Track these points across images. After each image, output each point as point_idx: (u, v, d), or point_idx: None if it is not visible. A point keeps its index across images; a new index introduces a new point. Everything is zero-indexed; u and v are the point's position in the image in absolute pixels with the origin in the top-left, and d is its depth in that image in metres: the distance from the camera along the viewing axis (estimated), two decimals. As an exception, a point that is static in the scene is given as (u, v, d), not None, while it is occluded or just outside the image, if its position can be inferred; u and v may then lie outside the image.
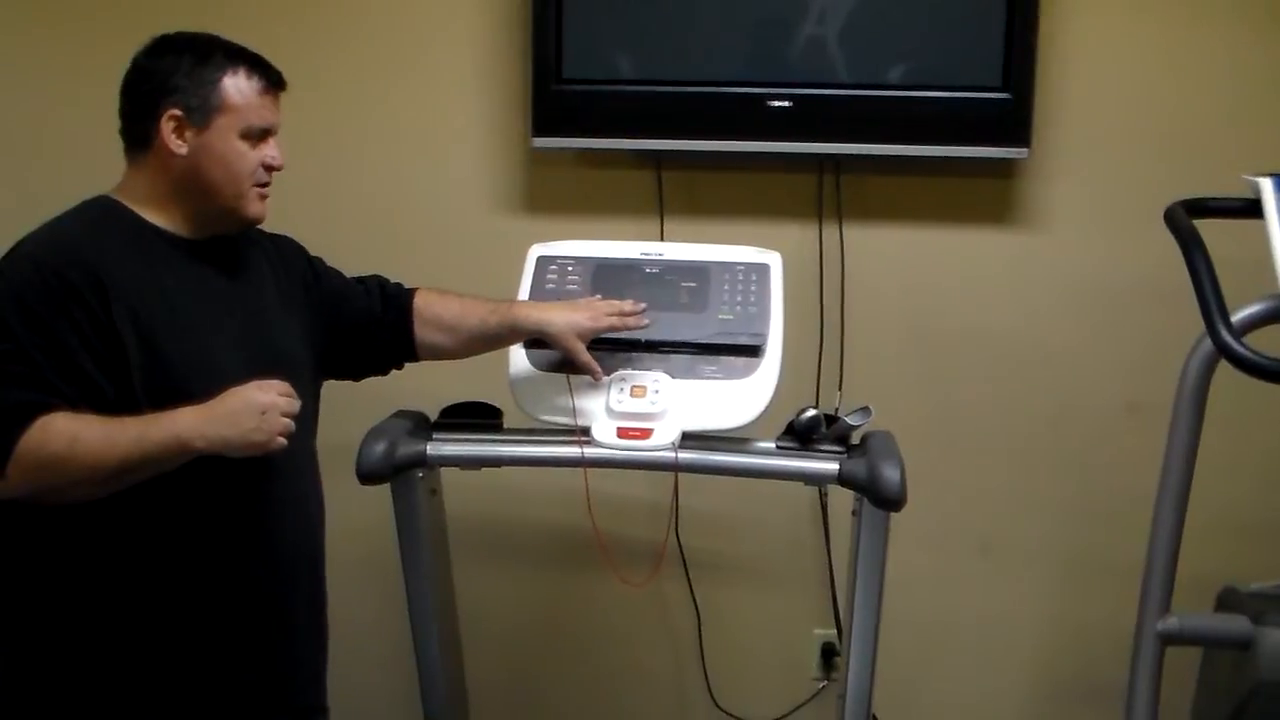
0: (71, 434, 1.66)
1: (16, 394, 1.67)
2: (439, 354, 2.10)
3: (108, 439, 1.67)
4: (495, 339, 2.07)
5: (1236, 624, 2.11)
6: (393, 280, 2.13)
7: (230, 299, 1.88)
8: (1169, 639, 2.14)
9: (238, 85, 1.82)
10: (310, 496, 1.99)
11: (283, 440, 1.73)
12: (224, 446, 1.70)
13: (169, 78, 1.81)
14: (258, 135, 1.84)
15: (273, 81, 1.86)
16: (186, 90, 1.80)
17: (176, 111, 1.80)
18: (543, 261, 2.16)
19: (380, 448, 2.01)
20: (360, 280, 2.12)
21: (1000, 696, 2.72)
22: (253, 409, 1.71)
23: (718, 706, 2.73)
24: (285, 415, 1.73)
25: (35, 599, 1.79)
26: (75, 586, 1.77)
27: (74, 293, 1.70)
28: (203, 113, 1.80)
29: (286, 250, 2.06)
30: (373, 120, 2.65)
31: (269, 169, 1.86)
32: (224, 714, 1.85)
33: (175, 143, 1.80)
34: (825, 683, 2.71)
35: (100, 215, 1.82)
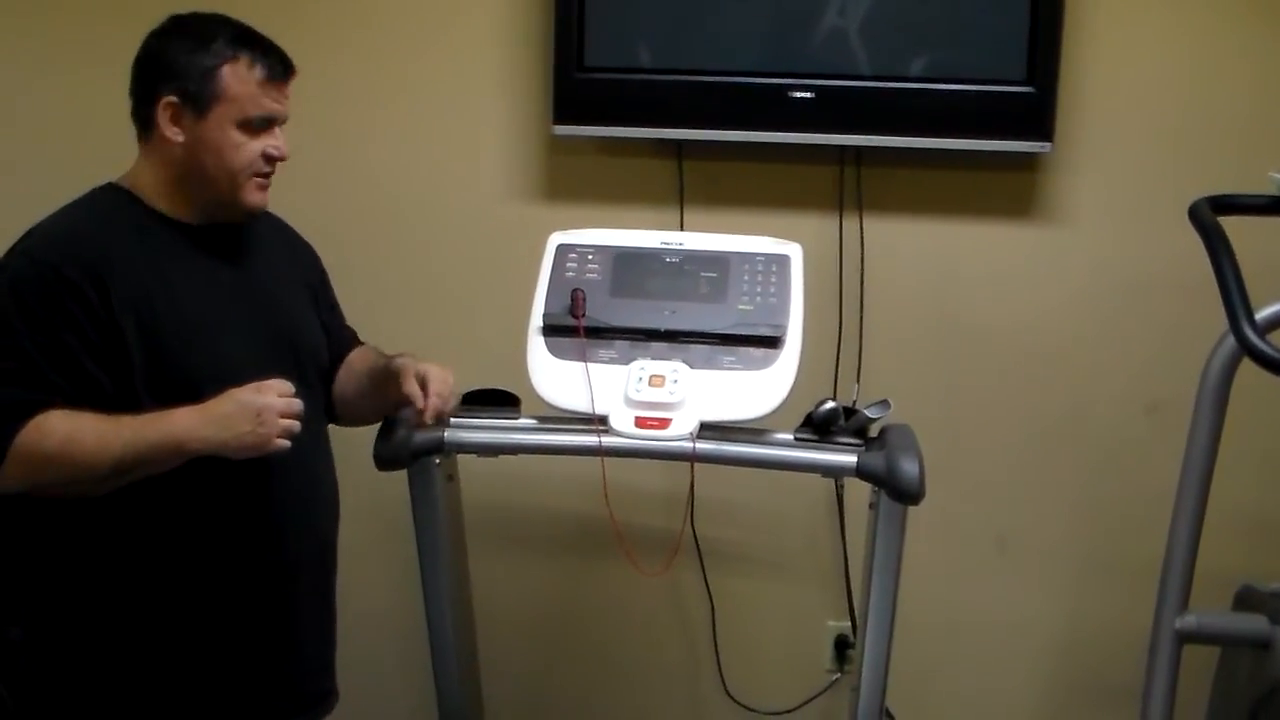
0: (65, 433, 1.66)
1: (12, 392, 1.67)
2: (343, 405, 2.07)
3: (101, 440, 1.67)
4: (376, 376, 2.01)
5: (1255, 623, 2.10)
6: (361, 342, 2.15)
7: (240, 287, 1.88)
8: (1186, 637, 2.13)
9: (238, 74, 1.78)
10: (320, 481, 1.99)
11: (282, 442, 1.71)
12: (220, 448, 1.70)
13: (170, 62, 1.78)
14: (258, 125, 1.80)
15: (277, 71, 1.81)
16: (185, 76, 1.77)
17: (173, 98, 1.77)
18: (562, 250, 2.15)
19: (398, 434, 2.01)
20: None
21: (1015, 692, 2.71)
22: (248, 413, 1.69)
23: (730, 697, 2.73)
24: (286, 415, 1.71)
25: (44, 589, 1.79)
26: (82, 575, 1.78)
27: (72, 288, 1.68)
28: (200, 101, 1.77)
29: (303, 248, 2.07)
30: (393, 107, 2.65)
31: (270, 159, 1.82)
32: (230, 700, 1.86)
33: (172, 130, 1.78)
34: (839, 675, 2.71)
35: (107, 205, 1.81)
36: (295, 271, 2.02)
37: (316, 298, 2.06)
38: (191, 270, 1.81)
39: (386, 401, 1.99)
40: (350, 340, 2.13)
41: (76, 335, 1.69)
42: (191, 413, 1.69)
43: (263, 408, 1.70)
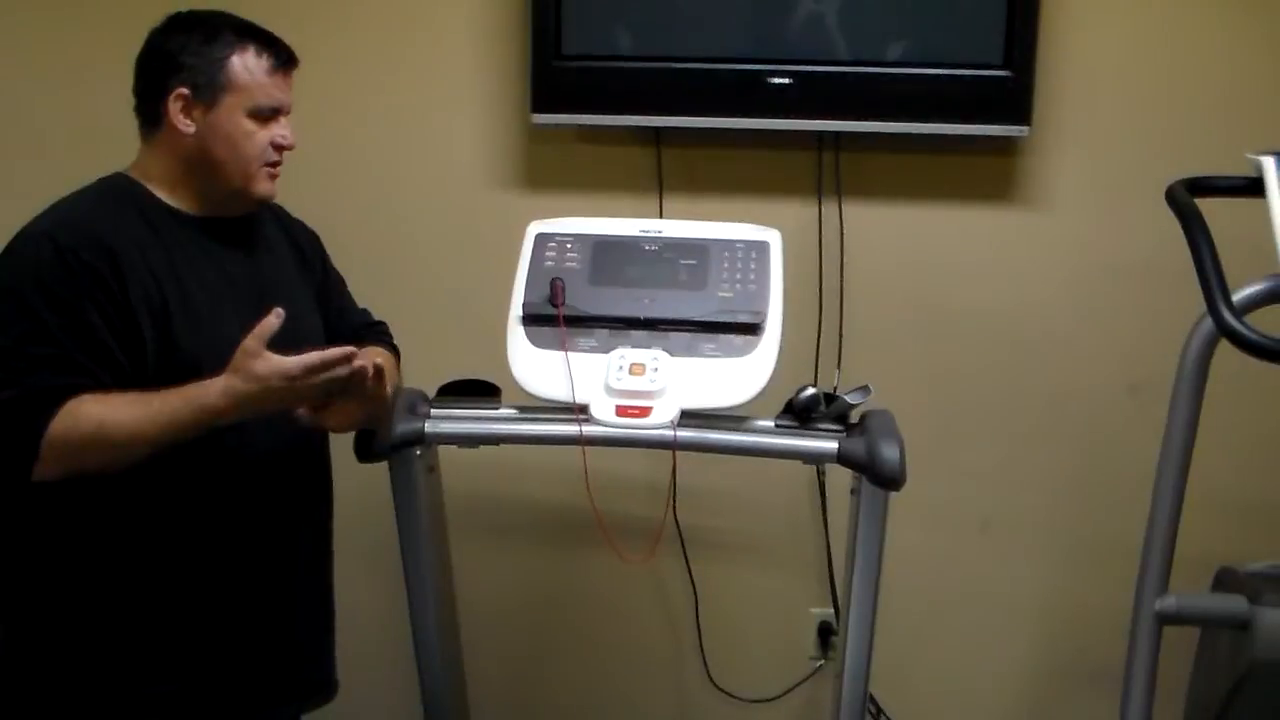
0: (99, 419, 1.67)
1: (42, 378, 1.67)
2: None
3: (137, 423, 1.68)
4: None
5: (1234, 604, 2.11)
6: (377, 320, 2.18)
7: (245, 278, 1.89)
8: (1167, 619, 2.14)
9: (245, 64, 1.82)
10: (315, 468, 2.00)
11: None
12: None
13: (177, 56, 1.81)
14: (267, 114, 1.84)
15: (282, 60, 1.85)
16: (194, 69, 1.80)
17: (184, 90, 1.80)
18: (541, 238, 2.14)
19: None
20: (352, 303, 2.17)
21: (998, 676, 2.72)
22: (281, 398, 1.74)
23: (714, 685, 2.73)
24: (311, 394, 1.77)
25: (30, 578, 1.79)
26: (70, 563, 1.77)
27: (93, 272, 1.70)
28: (210, 91, 1.80)
29: (303, 235, 2.08)
30: (372, 95, 2.64)
31: (279, 148, 1.86)
32: (226, 689, 1.86)
33: (183, 122, 1.81)
34: (822, 662, 2.72)
35: (115, 194, 1.83)
36: (295, 259, 2.03)
37: (319, 284, 2.07)
38: (197, 260, 1.83)
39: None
40: (364, 325, 2.15)
41: (100, 316, 1.70)
42: (221, 395, 1.70)
43: (296, 393, 1.75)
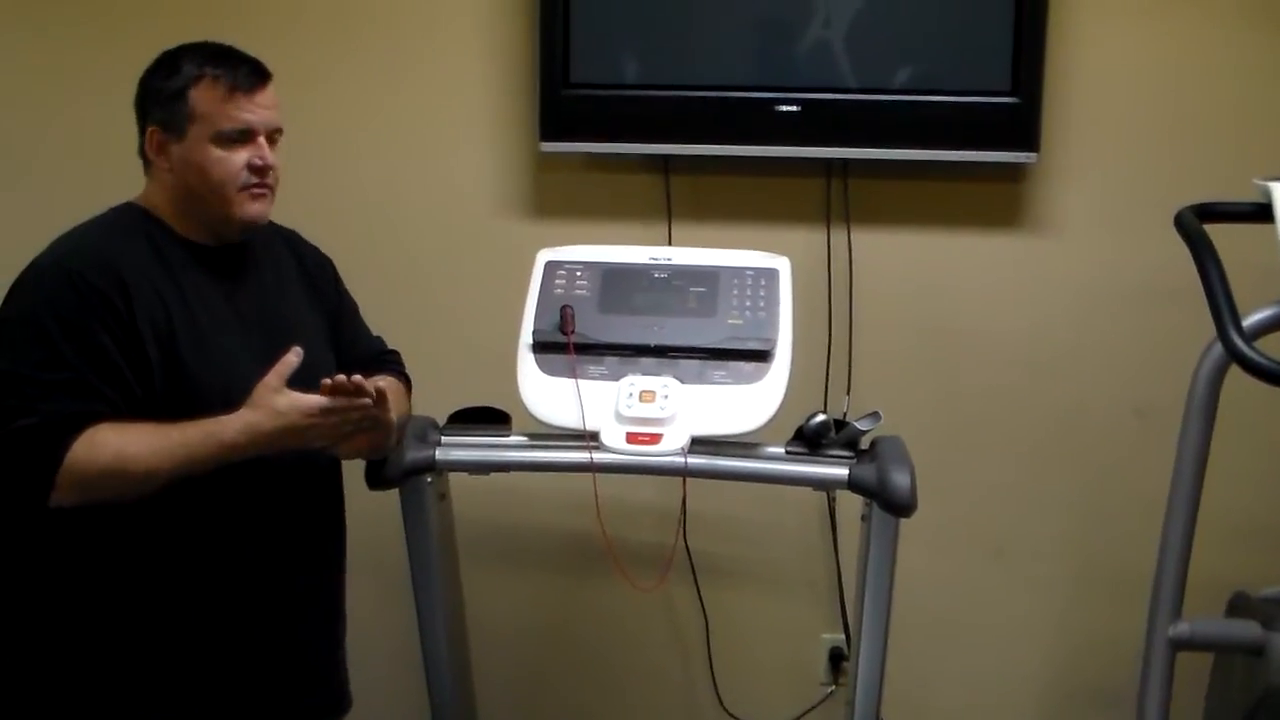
0: (117, 450, 1.69)
1: (61, 404, 1.68)
2: None
3: (155, 455, 1.70)
4: None
5: (1248, 629, 2.11)
6: (389, 349, 2.19)
7: (252, 306, 1.90)
8: (1180, 644, 2.13)
9: (202, 92, 1.82)
10: (326, 494, 2.00)
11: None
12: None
13: (150, 94, 1.85)
14: (233, 138, 1.83)
15: (243, 82, 1.83)
16: (162, 105, 1.83)
17: (155, 128, 1.84)
18: (551, 266, 2.15)
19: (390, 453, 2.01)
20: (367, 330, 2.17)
21: (1010, 701, 2.71)
22: (299, 437, 1.75)
23: (726, 711, 2.72)
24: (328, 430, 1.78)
25: (43, 602, 1.80)
26: (84, 588, 1.78)
27: (104, 297, 1.72)
28: (177, 125, 1.83)
29: (315, 261, 2.08)
30: (380, 123, 2.65)
31: (256, 169, 1.84)
32: (238, 712, 1.86)
33: (160, 158, 1.84)
34: (833, 688, 2.71)
35: (125, 222, 1.85)
36: (306, 286, 2.04)
37: (333, 310, 2.07)
38: (203, 288, 1.84)
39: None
40: (376, 354, 2.15)
41: (110, 338, 1.72)
42: (240, 432, 1.72)
43: (315, 431, 1.76)
